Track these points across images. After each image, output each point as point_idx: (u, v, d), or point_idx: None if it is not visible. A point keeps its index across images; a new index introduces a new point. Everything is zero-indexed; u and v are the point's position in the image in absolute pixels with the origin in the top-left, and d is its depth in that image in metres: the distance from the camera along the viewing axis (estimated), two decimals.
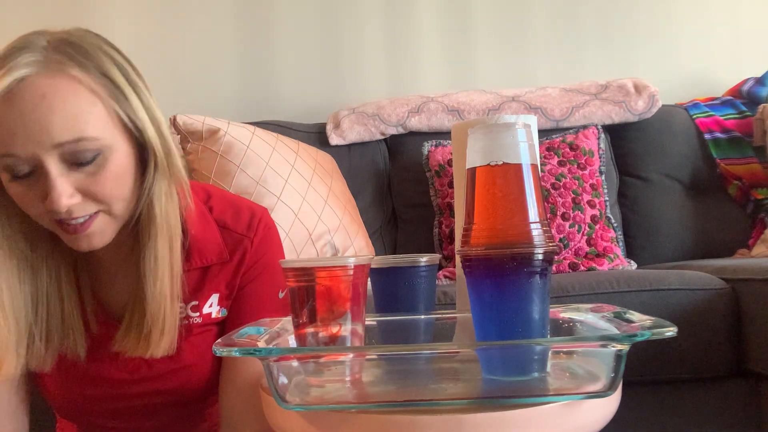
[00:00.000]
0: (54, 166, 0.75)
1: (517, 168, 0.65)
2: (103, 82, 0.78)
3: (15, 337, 0.81)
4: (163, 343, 0.85)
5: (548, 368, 0.68)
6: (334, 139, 2.01)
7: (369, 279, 0.78)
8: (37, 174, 0.76)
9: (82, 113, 0.75)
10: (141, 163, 0.82)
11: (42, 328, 0.84)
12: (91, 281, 0.90)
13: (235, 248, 0.93)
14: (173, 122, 1.71)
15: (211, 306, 0.92)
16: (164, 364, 0.90)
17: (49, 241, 0.85)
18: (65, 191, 0.75)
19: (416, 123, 2.03)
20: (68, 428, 1.03)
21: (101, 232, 0.80)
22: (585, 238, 1.79)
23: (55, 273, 0.86)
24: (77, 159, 0.76)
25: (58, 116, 0.74)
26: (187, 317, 0.91)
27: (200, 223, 0.91)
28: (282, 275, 0.71)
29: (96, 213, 0.79)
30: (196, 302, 0.92)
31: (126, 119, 0.79)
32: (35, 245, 0.84)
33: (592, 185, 1.86)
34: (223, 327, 0.95)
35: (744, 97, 2.14)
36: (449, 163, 1.91)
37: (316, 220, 1.68)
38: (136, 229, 0.85)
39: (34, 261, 0.84)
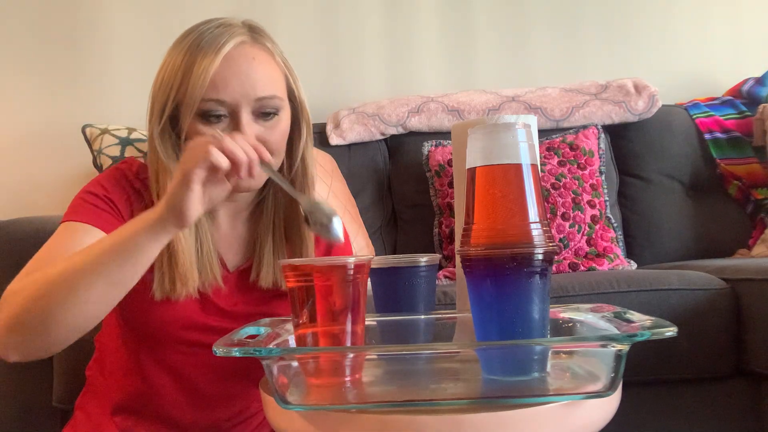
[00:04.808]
0: (246, 115, 0.92)
1: (517, 168, 0.65)
2: (281, 56, 0.98)
3: (192, 259, 0.95)
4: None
5: (548, 368, 0.68)
6: (334, 139, 2.01)
7: (369, 279, 0.79)
8: (227, 120, 0.92)
9: (276, 76, 0.95)
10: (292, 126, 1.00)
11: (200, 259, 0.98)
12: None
13: None
14: None
15: None
16: (260, 306, 1.01)
17: None
18: (252, 135, 0.91)
19: (416, 123, 2.03)
20: (81, 427, 1.04)
21: (260, 178, 0.94)
22: (585, 238, 1.79)
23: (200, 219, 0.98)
24: (264, 111, 0.93)
25: (263, 76, 0.93)
26: None
27: None
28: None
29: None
30: None
31: (291, 86, 0.98)
32: None
33: (592, 185, 1.86)
34: None
35: (744, 97, 2.14)
36: (449, 163, 1.91)
37: None
38: (258, 199, 1.04)
39: None
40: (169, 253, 0.93)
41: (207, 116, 0.91)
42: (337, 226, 0.80)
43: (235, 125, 0.92)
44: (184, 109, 0.92)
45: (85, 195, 0.96)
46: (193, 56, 0.91)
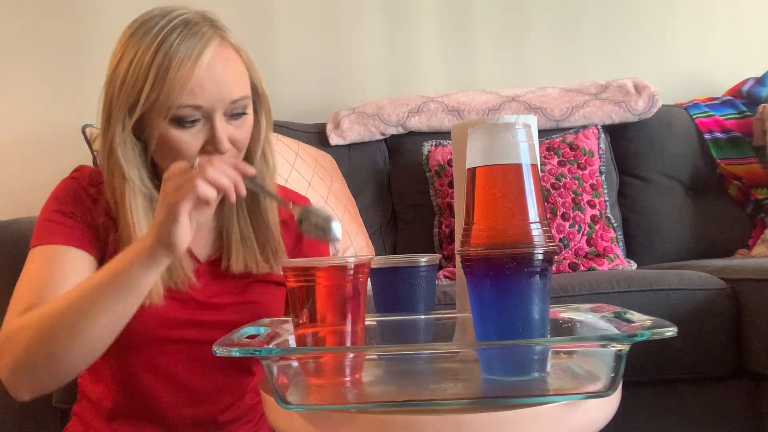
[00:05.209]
0: (220, 117, 0.91)
1: (517, 168, 0.65)
2: (244, 50, 0.96)
3: None
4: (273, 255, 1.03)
5: (548, 368, 0.68)
6: (334, 139, 2.01)
7: (369, 279, 0.79)
8: (201, 123, 0.91)
9: (244, 74, 0.95)
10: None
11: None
12: None
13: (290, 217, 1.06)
14: None
15: None
16: (238, 295, 1.01)
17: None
18: (225, 136, 0.91)
19: (416, 123, 2.03)
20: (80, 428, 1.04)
21: None
22: (585, 238, 1.79)
23: None
24: (236, 112, 0.92)
25: (236, 77, 0.92)
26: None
27: None
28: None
29: None
30: None
31: (253, 79, 0.97)
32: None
33: (592, 185, 1.86)
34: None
35: (744, 97, 2.14)
36: (449, 163, 1.91)
37: None
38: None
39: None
40: None
41: (182, 122, 0.90)
42: (335, 228, 0.81)
43: (209, 128, 0.91)
44: (154, 114, 0.90)
45: (48, 215, 0.96)
46: (166, 60, 0.87)
